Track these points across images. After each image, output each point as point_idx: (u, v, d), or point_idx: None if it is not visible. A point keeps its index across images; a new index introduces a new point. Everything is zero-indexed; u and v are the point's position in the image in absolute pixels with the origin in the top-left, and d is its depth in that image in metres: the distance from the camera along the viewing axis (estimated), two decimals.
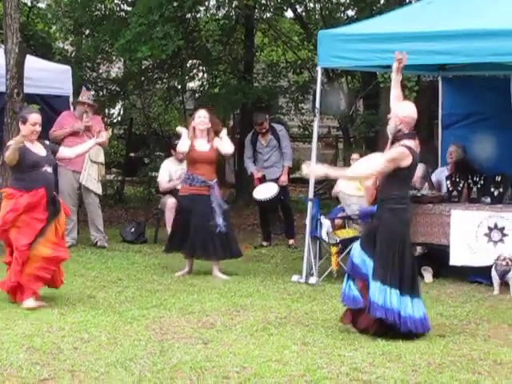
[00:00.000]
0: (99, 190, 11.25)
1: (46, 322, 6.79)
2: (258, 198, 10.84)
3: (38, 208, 7.41)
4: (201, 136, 9.14)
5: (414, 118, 6.62)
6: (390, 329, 6.43)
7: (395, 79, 6.89)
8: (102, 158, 11.19)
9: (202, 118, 9.14)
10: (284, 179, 11.38)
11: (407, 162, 6.48)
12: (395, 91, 6.86)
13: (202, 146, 9.13)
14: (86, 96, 11.21)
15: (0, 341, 6.19)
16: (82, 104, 11.09)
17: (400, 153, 6.46)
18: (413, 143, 6.54)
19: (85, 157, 10.65)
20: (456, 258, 8.78)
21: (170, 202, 11.16)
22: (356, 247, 6.68)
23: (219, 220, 8.97)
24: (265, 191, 10.84)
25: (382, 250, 6.49)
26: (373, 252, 6.51)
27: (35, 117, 7.56)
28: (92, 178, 10.97)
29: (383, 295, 6.40)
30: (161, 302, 7.67)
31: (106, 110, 17.07)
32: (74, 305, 7.47)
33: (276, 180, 11.27)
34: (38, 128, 7.55)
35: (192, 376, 5.45)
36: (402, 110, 6.63)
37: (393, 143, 6.58)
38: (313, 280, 8.70)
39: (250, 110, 16.27)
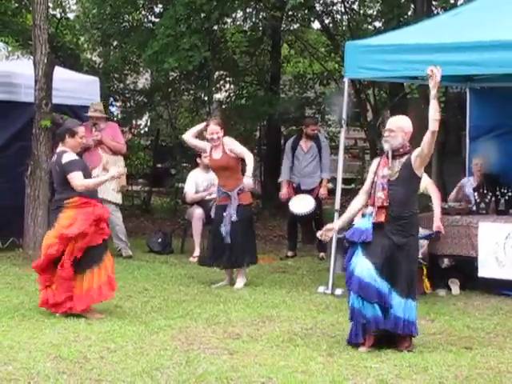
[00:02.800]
0: (118, 200, 11.19)
1: (72, 332, 6.82)
2: (297, 213, 10.73)
3: (104, 220, 7.49)
4: (215, 148, 9.17)
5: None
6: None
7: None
8: (122, 168, 11.13)
9: (213, 135, 9.10)
10: (323, 192, 11.32)
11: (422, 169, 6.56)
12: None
13: (216, 153, 9.16)
14: (93, 108, 11.08)
15: (27, 350, 6.23)
16: (90, 118, 11.08)
17: None
18: None
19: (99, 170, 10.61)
20: (484, 270, 8.72)
21: (198, 212, 11.19)
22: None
23: (223, 230, 8.97)
24: (302, 205, 10.73)
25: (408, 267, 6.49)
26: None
27: (83, 130, 7.66)
28: (109, 189, 10.82)
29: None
30: (187, 313, 7.68)
31: (134, 121, 17.16)
32: (100, 314, 7.49)
33: (310, 191, 11.22)
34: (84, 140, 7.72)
35: None
36: (407, 125, 6.61)
37: (394, 158, 6.53)
38: (339, 291, 8.67)
39: (277, 121, 16.31)
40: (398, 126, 6.57)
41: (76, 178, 7.35)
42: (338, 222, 6.95)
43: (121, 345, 6.45)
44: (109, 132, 11.14)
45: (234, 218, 8.99)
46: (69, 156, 7.43)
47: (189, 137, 9.35)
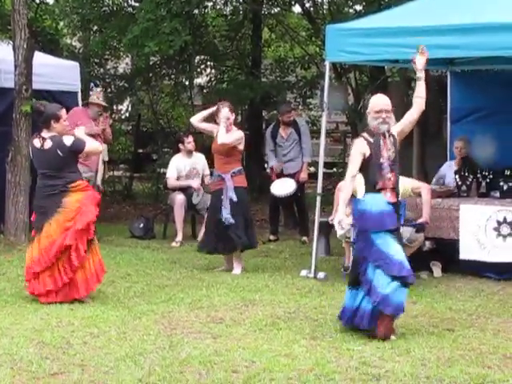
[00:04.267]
0: (101, 188, 11.25)
1: (55, 317, 6.81)
2: (277, 194, 10.75)
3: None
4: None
5: None
6: None
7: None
8: (106, 157, 11.22)
9: (225, 119, 9.04)
10: (304, 176, 11.35)
11: None
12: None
13: (222, 137, 9.07)
14: (100, 97, 11.08)
15: (10, 335, 6.22)
16: (97, 106, 10.97)
17: None
18: None
19: (99, 157, 10.63)
20: (465, 253, 8.76)
21: (179, 198, 11.18)
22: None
23: (224, 212, 8.96)
24: (283, 187, 10.75)
25: None
26: None
27: (65, 112, 7.67)
28: (100, 177, 11.04)
29: None
30: (170, 297, 7.68)
31: (114, 106, 17.08)
32: (83, 300, 7.47)
33: (293, 175, 11.23)
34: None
35: (201, 370, 5.46)
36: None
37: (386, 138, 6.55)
38: (321, 275, 8.69)
39: (258, 105, 16.28)
40: (390, 105, 6.56)
41: (94, 145, 7.76)
42: (343, 210, 6.61)
43: (104, 330, 6.44)
44: (105, 121, 11.09)
45: (235, 198, 8.95)
46: (69, 137, 7.50)
47: (196, 121, 9.30)
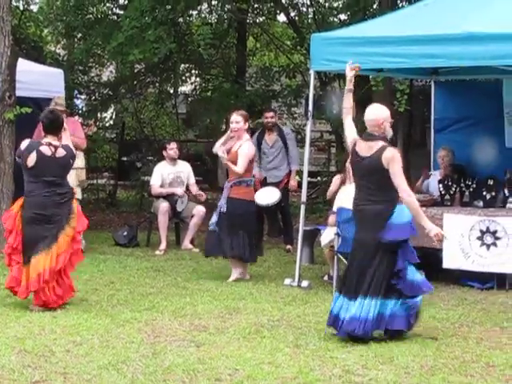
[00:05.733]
0: (77, 195, 10.97)
1: (37, 325, 6.77)
2: (261, 204, 10.63)
3: None
4: (232, 140, 9.24)
5: (366, 119, 6.67)
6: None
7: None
8: (80, 163, 10.92)
9: (233, 124, 9.16)
10: (294, 184, 11.30)
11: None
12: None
13: (229, 146, 9.16)
14: (54, 102, 10.57)
15: None
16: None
17: None
18: (361, 144, 6.61)
19: None
20: (449, 262, 8.79)
21: (163, 206, 11.15)
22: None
23: (213, 219, 8.99)
24: (267, 196, 10.62)
25: None
26: None
27: None
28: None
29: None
30: (153, 305, 7.66)
31: (99, 114, 17.04)
32: (66, 308, 7.44)
33: (277, 184, 11.17)
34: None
35: (184, 378, 5.44)
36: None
37: None
38: (305, 283, 8.69)
39: None
40: None
41: None
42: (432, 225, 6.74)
43: (87, 338, 6.41)
44: (69, 127, 10.94)
45: (223, 209, 8.98)
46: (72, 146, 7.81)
47: (218, 148, 9.25)
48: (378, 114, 6.64)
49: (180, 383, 5.36)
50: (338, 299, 6.59)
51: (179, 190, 11.29)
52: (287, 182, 11.34)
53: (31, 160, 7.45)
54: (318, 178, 16.83)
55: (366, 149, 6.56)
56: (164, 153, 11.51)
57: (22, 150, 7.56)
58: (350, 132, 6.75)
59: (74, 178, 10.66)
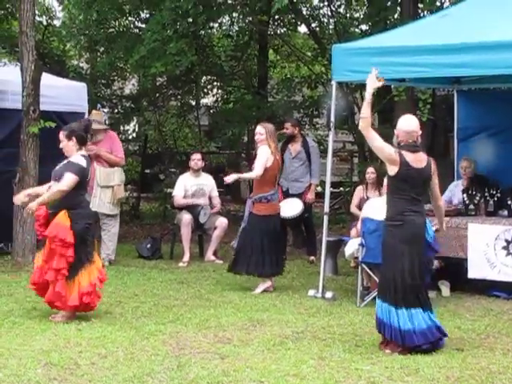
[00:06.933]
0: (114, 211, 10.93)
1: (63, 338, 6.79)
2: (285, 216, 10.58)
3: None
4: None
5: (406, 130, 6.61)
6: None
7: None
8: (117, 180, 10.78)
9: (257, 135, 9.21)
10: (311, 197, 11.23)
11: (393, 168, 6.50)
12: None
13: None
14: (92, 117, 10.65)
15: (18, 356, 6.20)
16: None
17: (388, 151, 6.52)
18: (409, 155, 6.53)
19: (94, 182, 10.43)
20: (474, 272, 8.73)
21: (186, 218, 11.17)
22: None
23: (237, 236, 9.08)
24: (290, 208, 10.60)
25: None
26: None
27: None
28: (104, 202, 10.67)
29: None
30: (177, 317, 7.66)
31: (121, 127, 17.12)
32: (90, 320, 7.46)
33: (299, 195, 11.17)
34: None
35: None
36: (398, 124, 6.69)
37: None
38: (329, 294, 8.66)
39: None
40: None
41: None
42: None
43: (111, 350, 6.42)
44: (107, 143, 10.93)
45: (244, 224, 9.08)
46: None
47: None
48: (417, 125, 6.65)
49: None
50: None
51: (202, 200, 11.30)
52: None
53: (83, 174, 7.53)
54: (341, 189, 16.78)
55: (416, 160, 6.54)
56: (190, 163, 11.53)
57: (85, 167, 7.55)
58: (384, 142, 6.62)
59: (109, 196, 10.70)
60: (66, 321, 7.37)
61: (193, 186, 11.44)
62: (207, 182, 11.59)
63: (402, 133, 6.62)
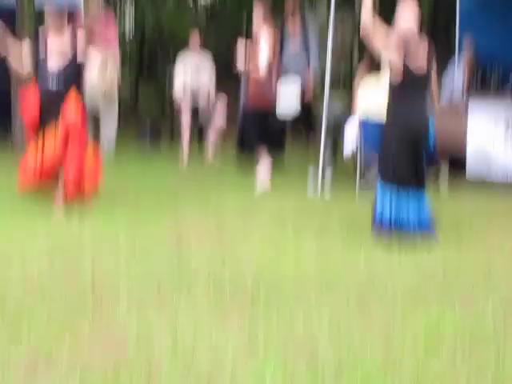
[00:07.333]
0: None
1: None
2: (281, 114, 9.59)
3: None
4: None
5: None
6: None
7: None
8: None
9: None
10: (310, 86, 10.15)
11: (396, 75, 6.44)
12: None
13: None
14: None
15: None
16: None
17: None
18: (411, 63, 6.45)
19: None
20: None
21: (185, 121, 11.17)
22: None
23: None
24: (286, 105, 9.43)
25: None
26: None
27: None
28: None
29: None
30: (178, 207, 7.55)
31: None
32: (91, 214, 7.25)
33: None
34: None
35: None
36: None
37: None
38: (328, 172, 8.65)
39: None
40: None
41: None
42: None
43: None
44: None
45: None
46: None
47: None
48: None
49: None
50: None
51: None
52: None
53: None
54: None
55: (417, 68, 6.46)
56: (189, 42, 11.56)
57: None
58: (390, 51, 6.44)
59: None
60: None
61: (192, 63, 11.37)
62: (206, 58, 11.55)
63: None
